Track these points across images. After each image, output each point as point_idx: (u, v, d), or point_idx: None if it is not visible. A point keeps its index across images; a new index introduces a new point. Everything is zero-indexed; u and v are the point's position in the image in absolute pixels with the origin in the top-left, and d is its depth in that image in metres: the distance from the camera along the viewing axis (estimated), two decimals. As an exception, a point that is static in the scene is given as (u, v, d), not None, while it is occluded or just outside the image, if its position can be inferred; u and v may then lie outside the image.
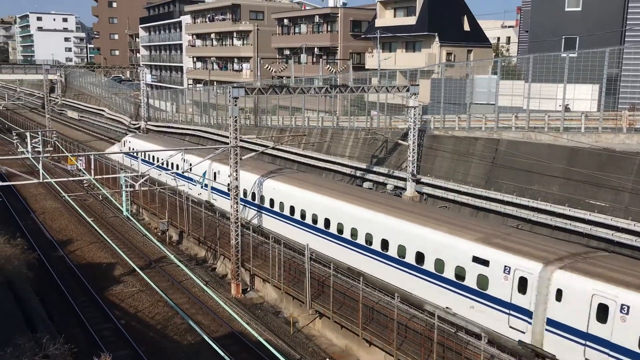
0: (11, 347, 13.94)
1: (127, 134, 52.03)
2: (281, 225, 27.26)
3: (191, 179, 34.43)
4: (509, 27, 68.85)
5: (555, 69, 26.17)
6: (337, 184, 29.43)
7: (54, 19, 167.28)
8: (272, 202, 27.98)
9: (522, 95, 27.78)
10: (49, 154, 39.70)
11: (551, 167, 24.77)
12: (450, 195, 27.70)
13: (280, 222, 27.42)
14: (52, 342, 15.13)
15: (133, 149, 46.87)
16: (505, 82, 29.19)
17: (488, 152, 27.67)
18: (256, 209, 29.11)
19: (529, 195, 24.64)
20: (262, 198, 28.59)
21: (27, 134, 37.49)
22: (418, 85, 29.16)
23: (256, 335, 17.55)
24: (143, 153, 39.56)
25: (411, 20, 49.76)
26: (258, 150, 33.70)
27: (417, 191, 29.07)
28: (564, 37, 34.38)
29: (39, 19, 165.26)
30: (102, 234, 28.18)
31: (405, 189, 29.30)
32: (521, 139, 26.82)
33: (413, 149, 28.76)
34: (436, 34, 47.93)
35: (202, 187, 34.10)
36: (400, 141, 30.88)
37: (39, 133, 43.42)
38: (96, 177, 34.02)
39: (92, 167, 38.02)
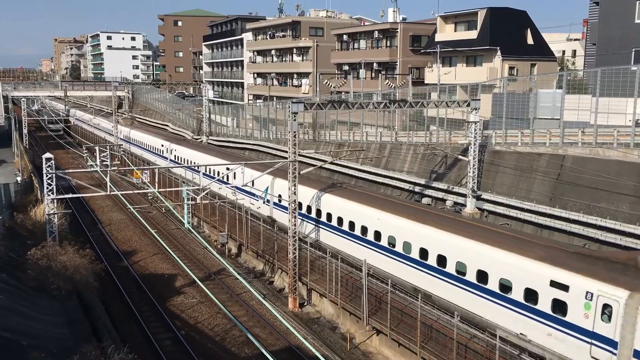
0: (78, 356, 14.42)
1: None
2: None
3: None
4: (575, 40, 66.67)
5: (624, 82, 25.13)
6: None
7: (123, 38, 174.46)
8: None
9: (589, 109, 26.81)
10: (116, 168, 41.21)
11: (620, 184, 23.75)
12: (512, 212, 26.94)
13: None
14: (117, 351, 15.57)
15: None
16: (571, 97, 28.25)
17: (552, 169, 26.81)
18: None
19: (597, 214, 23.67)
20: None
21: (96, 148, 39.11)
22: (479, 99, 28.65)
23: (313, 350, 17.47)
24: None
25: (472, 35, 49.05)
26: (316, 165, 33.86)
27: (477, 208, 28.45)
28: (634, 49, 33.07)
29: (108, 38, 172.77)
30: (165, 246, 28.92)
31: (465, 205, 28.74)
32: (588, 154, 25.86)
33: (473, 165, 28.21)
34: (498, 47, 47.05)
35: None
36: (460, 156, 30.37)
37: (107, 147, 45.19)
38: (160, 190, 35.08)
39: (156, 180, 39.21)
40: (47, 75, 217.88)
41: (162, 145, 54.45)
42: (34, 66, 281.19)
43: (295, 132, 24.28)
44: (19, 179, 39.40)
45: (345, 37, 63.91)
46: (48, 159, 25.50)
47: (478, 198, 28.51)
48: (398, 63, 56.83)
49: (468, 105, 27.75)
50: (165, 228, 38.99)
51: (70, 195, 29.12)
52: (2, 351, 14.38)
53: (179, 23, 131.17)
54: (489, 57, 48.08)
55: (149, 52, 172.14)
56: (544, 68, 49.44)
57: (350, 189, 30.00)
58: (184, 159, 47.38)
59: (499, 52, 47.23)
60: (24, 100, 67.49)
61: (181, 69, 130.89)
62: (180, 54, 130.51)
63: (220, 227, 34.88)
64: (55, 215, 25.88)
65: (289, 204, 25.30)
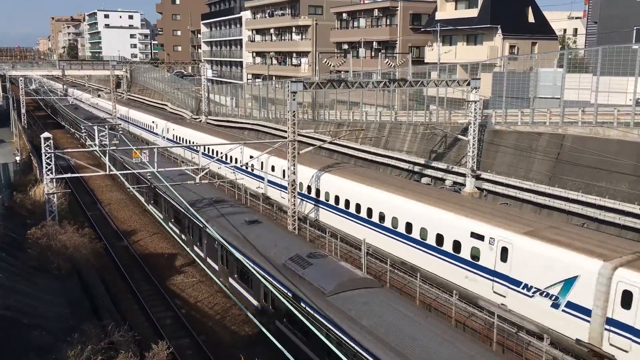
0: (78, 333, 14.52)
1: None
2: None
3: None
4: (576, 18, 66.20)
5: (625, 61, 24.98)
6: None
7: (120, 17, 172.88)
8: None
9: (589, 89, 26.69)
10: (114, 147, 40.99)
11: (620, 163, 23.73)
12: (512, 192, 26.99)
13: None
14: (117, 329, 15.67)
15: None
16: (572, 76, 28.10)
17: (552, 148, 26.77)
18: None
19: (596, 193, 23.71)
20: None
21: (95, 127, 38.91)
22: (479, 79, 28.50)
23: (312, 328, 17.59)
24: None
25: (473, 13, 48.65)
26: (316, 145, 33.78)
27: (476, 187, 28.47)
28: (635, 28, 32.81)
29: (106, 16, 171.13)
30: (164, 225, 28.95)
31: (465, 185, 28.75)
32: (588, 134, 25.80)
33: (473, 144, 28.16)
34: (499, 26, 46.68)
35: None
36: (460, 136, 30.30)
37: (106, 127, 45.00)
38: (159, 169, 34.98)
39: (155, 159, 39.03)
40: (44, 55, 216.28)
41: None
42: (31, 45, 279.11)
43: (294, 111, 24.18)
44: (17, 158, 39.30)
45: (344, 15, 63.36)
46: (47, 139, 25.41)
47: (477, 177, 28.52)
48: (398, 42, 56.42)
49: (468, 84, 27.61)
50: (165, 208, 38.97)
51: (69, 175, 29.09)
52: (3, 330, 14.48)
53: (177, 1, 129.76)
54: (489, 36, 47.74)
55: (147, 31, 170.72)
56: (545, 47, 49.09)
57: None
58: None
59: (499, 31, 46.88)
60: (21, 80, 67.10)
61: (179, 48, 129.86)
62: (179, 33, 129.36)
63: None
64: (55, 195, 25.86)
65: (289, 184, 25.29)
